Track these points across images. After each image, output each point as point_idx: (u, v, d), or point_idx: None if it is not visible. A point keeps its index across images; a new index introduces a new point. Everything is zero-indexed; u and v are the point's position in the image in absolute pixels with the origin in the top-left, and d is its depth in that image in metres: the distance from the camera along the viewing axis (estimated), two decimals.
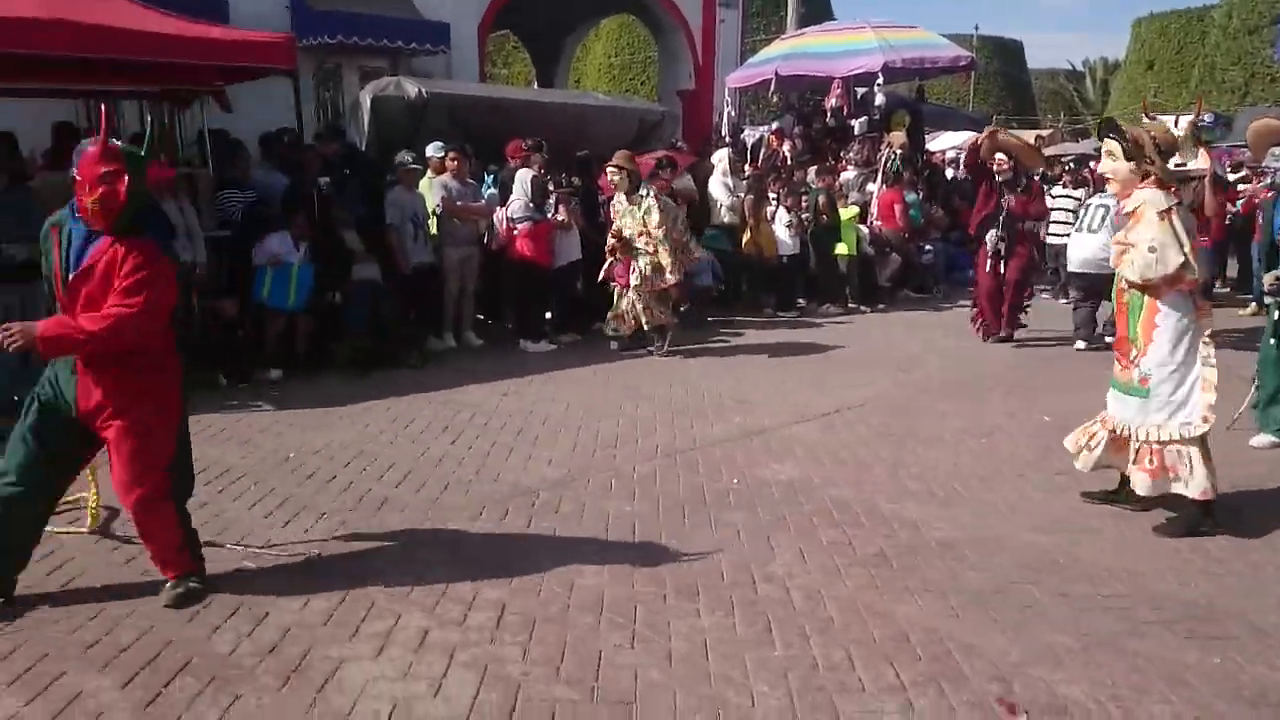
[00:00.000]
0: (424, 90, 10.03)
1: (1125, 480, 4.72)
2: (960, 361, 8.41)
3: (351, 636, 3.47)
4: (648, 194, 8.27)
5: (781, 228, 10.88)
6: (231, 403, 6.67)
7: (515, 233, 8.56)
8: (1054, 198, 11.00)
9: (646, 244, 8.24)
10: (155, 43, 7.18)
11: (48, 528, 3.87)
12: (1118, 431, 4.61)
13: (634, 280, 8.32)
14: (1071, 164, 12.60)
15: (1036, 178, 9.19)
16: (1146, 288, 4.43)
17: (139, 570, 4.00)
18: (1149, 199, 4.42)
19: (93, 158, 3.50)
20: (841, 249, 11.20)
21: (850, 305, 11.21)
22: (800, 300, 11.11)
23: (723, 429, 6.21)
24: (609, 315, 8.65)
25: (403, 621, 3.59)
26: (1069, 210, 10.75)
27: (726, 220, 10.93)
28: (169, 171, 7.24)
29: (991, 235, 9.08)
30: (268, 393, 6.98)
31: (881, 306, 11.37)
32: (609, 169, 8.43)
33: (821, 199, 11.15)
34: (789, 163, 12.80)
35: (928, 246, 12.60)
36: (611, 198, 8.76)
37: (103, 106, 4.29)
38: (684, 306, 9.03)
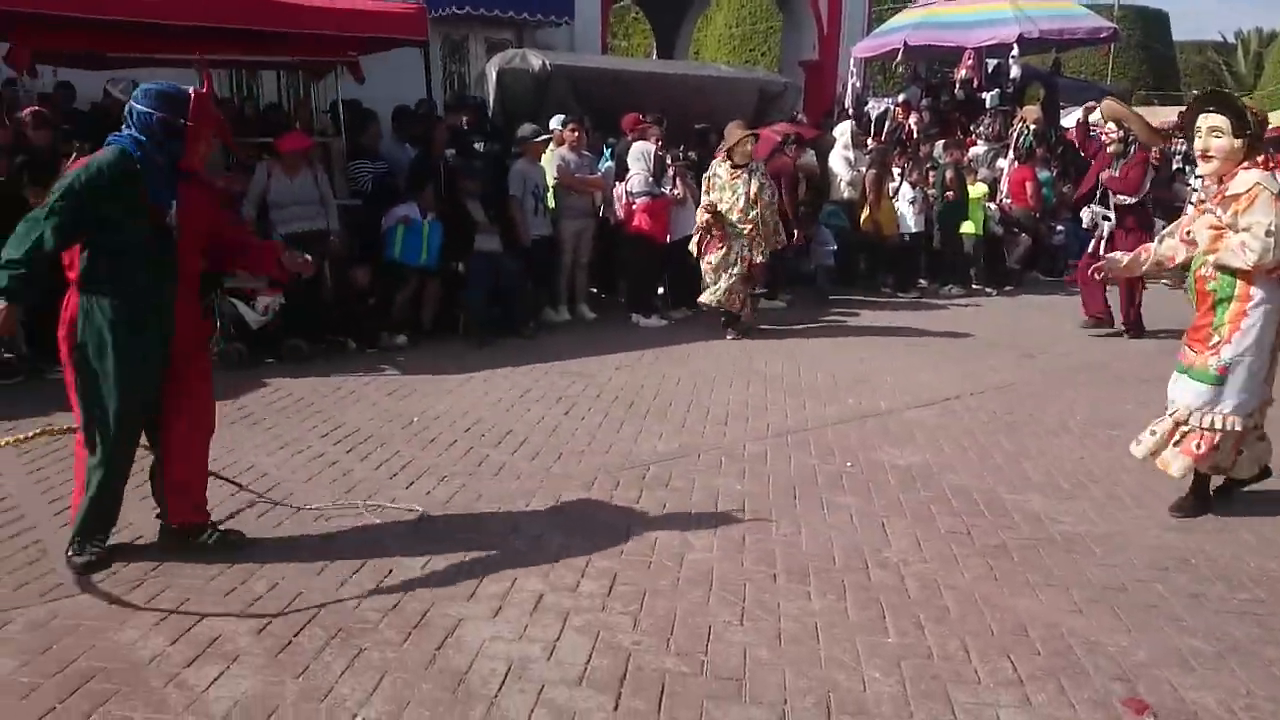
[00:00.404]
0: (548, 62, 10.12)
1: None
2: (1091, 348, 8.07)
3: (470, 597, 3.59)
4: (757, 168, 8.10)
5: (905, 204, 10.61)
6: (360, 367, 6.94)
7: (634, 207, 8.59)
8: (1197, 178, 10.41)
9: (744, 220, 7.98)
10: (293, 14, 7.46)
11: None
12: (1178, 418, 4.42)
13: (728, 258, 8.03)
14: None
15: (1145, 152, 8.53)
16: (1240, 274, 4.18)
17: (271, 524, 4.22)
18: (1262, 180, 4.12)
19: (213, 110, 3.68)
20: (968, 228, 10.83)
21: (974, 287, 10.87)
22: (921, 280, 10.84)
23: (837, 410, 6.13)
24: (713, 299, 8.16)
25: (518, 584, 3.69)
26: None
27: (846, 196, 10.72)
28: (307, 141, 7.53)
29: (1087, 212, 8.62)
30: (394, 358, 7.24)
31: (1008, 289, 10.98)
32: (732, 138, 8.01)
33: (949, 175, 10.79)
34: (915, 136, 12.45)
35: (1059, 227, 12.06)
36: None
37: (206, 71, 4.50)
38: (760, 290, 8.86)
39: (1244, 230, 4.11)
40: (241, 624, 3.36)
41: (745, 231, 7.96)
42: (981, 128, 12.80)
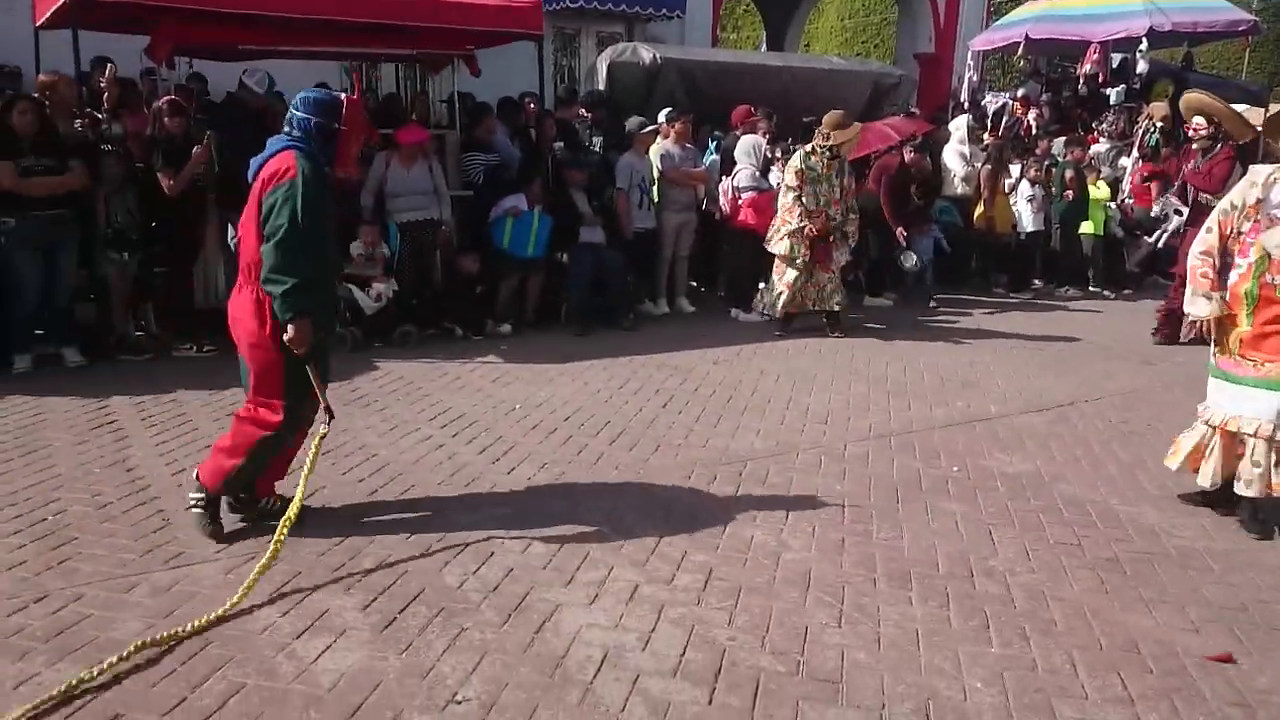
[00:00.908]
0: (658, 55, 10.14)
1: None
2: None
3: (567, 583, 3.64)
4: (846, 160, 7.94)
5: (1023, 202, 10.28)
6: (466, 354, 7.09)
7: (739, 201, 8.54)
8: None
9: (839, 214, 7.83)
10: (415, 8, 7.65)
11: None
12: (1237, 430, 4.20)
13: (838, 259, 7.95)
14: None
15: (1233, 147, 7.96)
16: None
17: (380, 502, 4.35)
18: None
19: (363, 116, 3.95)
20: (1087, 228, 10.43)
21: (1092, 289, 10.47)
22: (1036, 281, 10.49)
23: (944, 413, 5.99)
24: (781, 299, 7.98)
25: (615, 574, 3.72)
26: None
27: (960, 192, 10.45)
28: (424, 133, 7.72)
29: (1160, 201, 8.12)
30: (498, 346, 7.38)
31: (1127, 292, 10.53)
32: (843, 134, 7.71)
33: (1069, 173, 10.40)
34: (1034, 132, 12.05)
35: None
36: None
37: (357, 75, 4.69)
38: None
39: None
40: (349, 599, 3.48)
41: (842, 226, 7.84)
42: (1104, 124, 12.29)
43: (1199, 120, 8.09)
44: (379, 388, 6.21)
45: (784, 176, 7.99)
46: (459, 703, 2.89)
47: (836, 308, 7.99)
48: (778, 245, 7.85)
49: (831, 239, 7.83)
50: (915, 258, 9.27)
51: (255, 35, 7.65)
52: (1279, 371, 4.09)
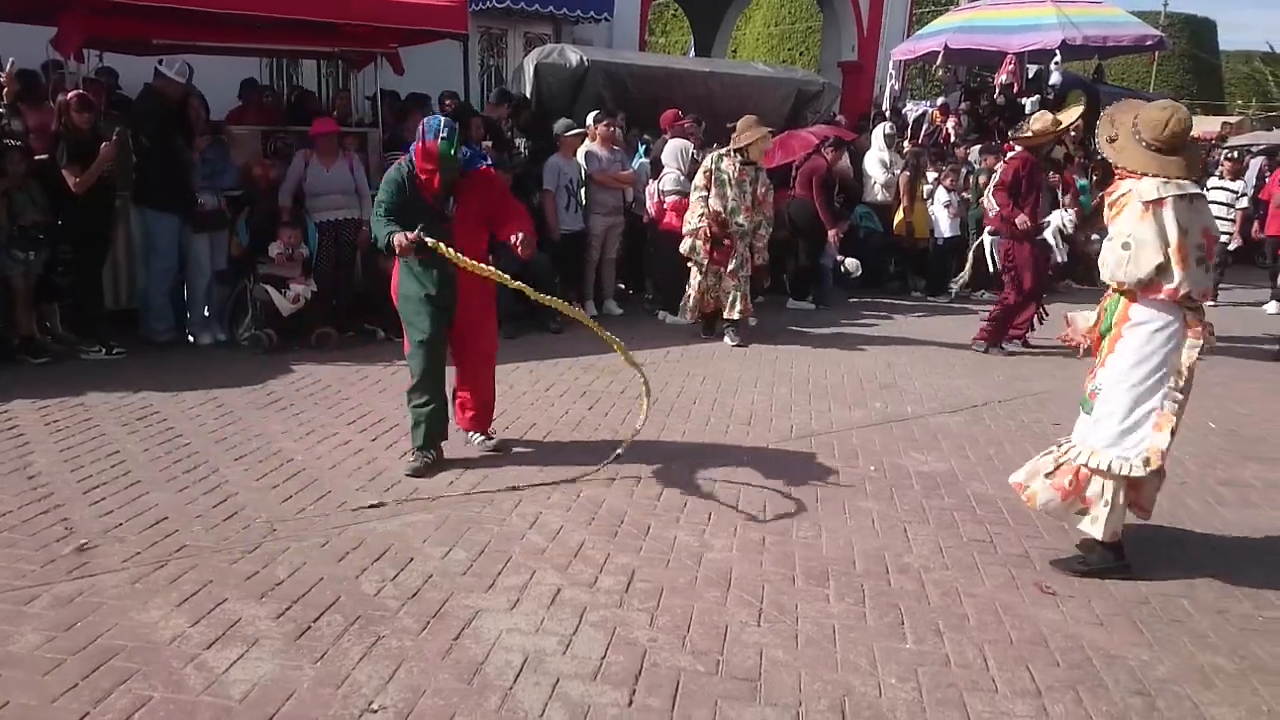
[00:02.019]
0: (585, 58, 10.13)
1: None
2: None
3: (488, 588, 3.61)
4: (761, 166, 7.89)
5: (940, 208, 10.52)
6: (388, 356, 6.97)
7: (665, 205, 8.57)
8: (1211, 190, 10.28)
9: (751, 221, 7.74)
10: (337, 4, 7.53)
11: None
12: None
13: (734, 265, 7.74)
14: (1234, 153, 11.68)
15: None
16: (1121, 290, 3.78)
17: (295, 508, 4.26)
18: (1135, 187, 3.71)
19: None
20: None
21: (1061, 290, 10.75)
22: (953, 285, 10.73)
23: (862, 414, 6.10)
24: (689, 308, 7.92)
25: (537, 578, 3.70)
26: (1223, 204, 10.05)
27: (880, 198, 10.65)
28: (333, 125, 7.58)
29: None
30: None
31: (1043, 296, 10.82)
32: (752, 134, 7.60)
33: (983, 179, 10.68)
34: (952, 140, 12.34)
35: (1095, 235, 11.91)
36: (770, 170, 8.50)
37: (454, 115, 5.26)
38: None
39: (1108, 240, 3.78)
40: (262, 608, 3.39)
41: (750, 231, 7.74)
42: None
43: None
44: (295, 391, 6.08)
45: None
46: (374, 711, 2.84)
47: (736, 316, 7.83)
48: (683, 245, 7.83)
49: (728, 242, 7.69)
50: (857, 263, 9.46)
51: (171, 29, 7.45)
52: (1084, 387, 4.01)
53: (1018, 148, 8.10)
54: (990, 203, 7.98)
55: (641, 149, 9.64)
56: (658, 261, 9.06)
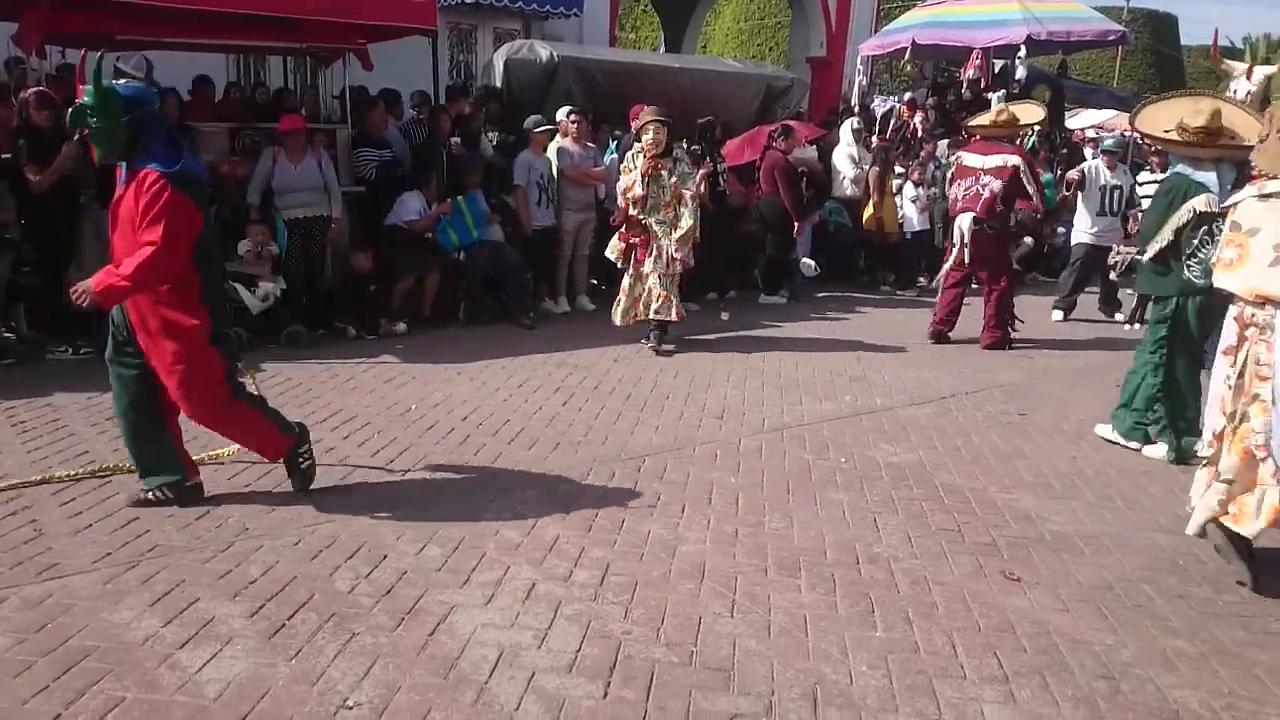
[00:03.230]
0: (555, 54, 10.12)
1: None
2: (1092, 349, 8.09)
3: (463, 584, 3.62)
4: (679, 158, 7.36)
5: (908, 202, 10.61)
6: (359, 354, 6.97)
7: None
8: (1140, 184, 10.35)
9: (674, 217, 7.14)
10: (301, 0, 7.47)
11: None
12: None
13: (649, 265, 7.21)
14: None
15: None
16: None
17: (267, 507, 4.25)
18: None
19: None
20: None
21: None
22: (921, 279, 10.84)
23: (833, 406, 6.16)
24: (620, 311, 7.41)
25: (512, 573, 3.72)
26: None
27: (849, 193, 10.73)
28: (300, 122, 7.53)
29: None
30: (393, 346, 7.27)
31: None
32: (649, 124, 7.07)
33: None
34: (920, 135, 12.45)
35: (1060, 229, 12.07)
36: (739, 166, 8.52)
37: (83, 53, 4.52)
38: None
39: None
40: (235, 606, 3.39)
41: (670, 226, 7.14)
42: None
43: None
44: (266, 390, 6.00)
45: None
46: (350, 708, 2.84)
47: (659, 317, 7.30)
48: (608, 248, 7.47)
49: (640, 238, 7.23)
50: (813, 265, 9.53)
51: (135, 25, 7.37)
52: None
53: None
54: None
55: (612, 145, 9.65)
56: None
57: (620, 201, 7.27)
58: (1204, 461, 4.01)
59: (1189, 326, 5.21)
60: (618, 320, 7.44)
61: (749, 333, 8.25)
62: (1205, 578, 3.90)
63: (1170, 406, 5.31)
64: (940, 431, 5.70)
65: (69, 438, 5.03)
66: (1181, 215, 5.09)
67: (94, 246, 7.04)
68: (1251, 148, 4.24)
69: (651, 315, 7.31)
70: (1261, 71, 5.63)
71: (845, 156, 10.80)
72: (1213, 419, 3.93)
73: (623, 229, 7.30)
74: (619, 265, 7.44)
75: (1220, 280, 3.90)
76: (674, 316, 7.28)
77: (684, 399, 6.18)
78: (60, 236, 6.62)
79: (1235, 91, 5.85)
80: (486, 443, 5.22)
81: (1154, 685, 3.12)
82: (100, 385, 5.76)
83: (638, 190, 7.08)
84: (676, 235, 7.10)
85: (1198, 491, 4.02)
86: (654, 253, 7.21)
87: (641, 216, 7.16)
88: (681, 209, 7.14)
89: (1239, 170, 4.87)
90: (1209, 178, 5.06)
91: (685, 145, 9.15)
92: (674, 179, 7.11)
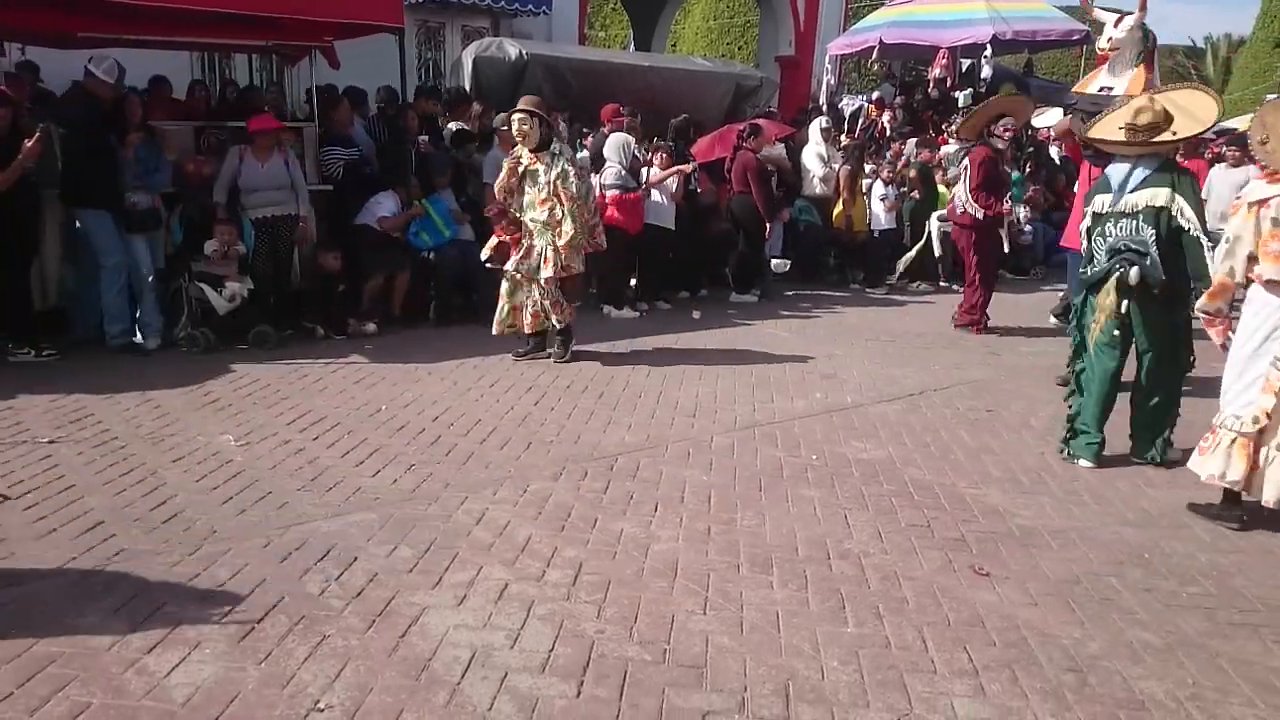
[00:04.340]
0: (524, 51, 10.10)
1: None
2: (1059, 346, 8.17)
3: (434, 585, 3.60)
4: (560, 153, 6.67)
5: (876, 201, 10.69)
6: (328, 354, 6.91)
7: (606, 200, 8.58)
8: None
9: (550, 217, 6.58)
10: None
11: None
12: None
13: (513, 265, 6.71)
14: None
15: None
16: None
17: (236, 509, 4.21)
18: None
19: None
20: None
21: (942, 284, 10.98)
22: (890, 277, 10.92)
23: (804, 404, 6.19)
24: (496, 319, 6.89)
25: (484, 573, 3.71)
26: None
27: (819, 192, 10.79)
28: (275, 122, 7.47)
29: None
30: (362, 345, 7.21)
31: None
32: (514, 116, 6.62)
33: (912, 173, 10.90)
34: (888, 134, 12.54)
35: (1027, 227, 12.21)
36: (709, 164, 8.47)
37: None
38: (578, 302, 7.21)
39: None
40: (204, 610, 3.35)
41: (549, 226, 6.57)
42: (954, 126, 12.89)
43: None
44: (234, 391, 5.98)
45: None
46: (321, 710, 2.82)
47: (558, 323, 6.85)
48: (511, 261, 6.79)
49: (512, 238, 6.75)
50: (787, 262, 9.57)
51: (97, 22, 7.26)
52: None
53: (973, 145, 8.28)
54: (972, 206, 8.09)
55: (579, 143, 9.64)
56: (600, 256, 9.07)
57: (497, 194, 6.75)
58: (1233, 439, 4.28)
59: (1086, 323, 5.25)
60: (495, 329, 6.89)
61: (721, 331, 8.28)
62: (1170, 571, 3.96)
63: (1072, 403, 5.34)
64: (909, 428, 5.75)
65: (33, 441, 4.95)
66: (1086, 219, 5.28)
67: (56, 246, 6.96)
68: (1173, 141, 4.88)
69: (538, 326, 6.87)
70: (1129, 20, 5.85)
71: (814, 155, 10.86)
72: (1260, 400, 4.20)
73: (500, 225, 6.81)
74: (488, 264, 6.94)
75: (1270, 272, 4.17)
76: (567, 319, 6.85)
77: (656, 397, 6.18)
78: (21, 236, 6.49)
79: (1109, 39, 6.13)
80: (458, 443, 5.20)
81: (1121, 677, 3.17)
82: (64, 388, 5.71)
83: (503, 180, 6.61)
84: (562, 243, 6.53)
85: (1219, 464, 4.32)
86: (523, 251, 6.68)
87: (516, 212, 6.72)
88: (560, 211, 6.54)
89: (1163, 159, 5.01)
90: (1113, 170, 5.14)
91: (656, 143, 9.17)
92: (553, 176, 6.50)
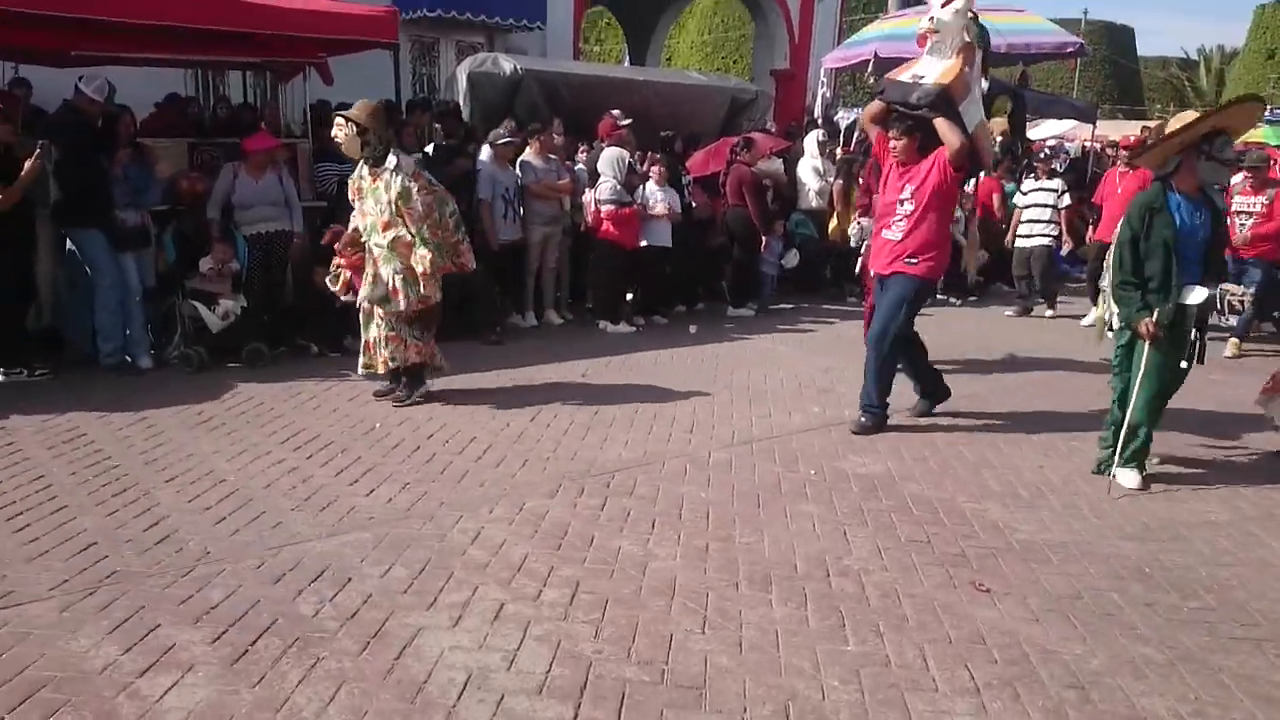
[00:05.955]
0: (519, 67, 10.11)
1: None
2: (1057, 360, 8.16)
3: (430, 606, 3.57)
4: (398, 168, 5.77)
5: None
6: (322, 372, 6.87)
7: (602, 215, 8.58)
8: (1025, 193, 10.50)
9: (397, 241, 5.81)
10: (261, 14, 7.41)
11: None
12: None
13: (365, 292, 5.94)
14: (1044, 152, 11.87)
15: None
16: None
17: (230, 530, 4.17)
18: None
19: None
20: None
21: (939, 297, 10.95)
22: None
23: (802, 419, 6.16)
24: (359, 361, 6.27)
25: (480, 593, 3.67)
26: (1047, 206, 10.25)
27: (814, 205, 10.78)
28: (273, 140, 7.46)
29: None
30: (357, 363, 7.16)
31: (973, 299, 11.10)
32: (333, 117, 6.07)
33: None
34: None
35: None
36: (704, 178, 8.36)
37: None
38: (431, 332, 6.22)
39: None
40: (197, 632, 3.31)
41: (389, 253, 5.82)
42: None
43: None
44: (226, 409, 5.95)
45: None
46: None
47: (393, 365, 6.13)
48: (364, 289, 6.03)
49: (355, 260, 6.05)
50: (797, 253, 9.57)
51: (89, 40, 7.25)
52: None
53: None
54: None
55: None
56: (597, 271, 9.07)
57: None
58: None
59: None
60: (358, 371, 6.29)
61: (717, 345, 8.25)
62: (1171, 584, 3.93)
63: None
64: (908, 442, 5.72)
65: (24, 461, 4.91)
66: None
67: (49, 266, 6.92)
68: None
69: (389, 364, 6.10)
70: (958, 3, 5.68)
71: (810, 169, 10.85)
72: None
73: (342, 250, 6.13)
74: (340, 296, 6.27)
75: None
76: (413, 357, 6.09)
77: (652, 414, 6.15)
78: (14, 256, 6.46)
79: (932, 19, 5.88)
80: (453, 460, 5.17)
81: (1123, 693, 3.14)
82: (57, 407, 5.68)
83: (368, 209, 5.89)
84: (422, 270, 5.79)
85: None
86: (369, 279, 5.92)
87: (363, 237, 5.98)
88: (407, 233, 5.80)
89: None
90: None
91: (648, 156, 9.16)
92: (394, 195, 5.73)
